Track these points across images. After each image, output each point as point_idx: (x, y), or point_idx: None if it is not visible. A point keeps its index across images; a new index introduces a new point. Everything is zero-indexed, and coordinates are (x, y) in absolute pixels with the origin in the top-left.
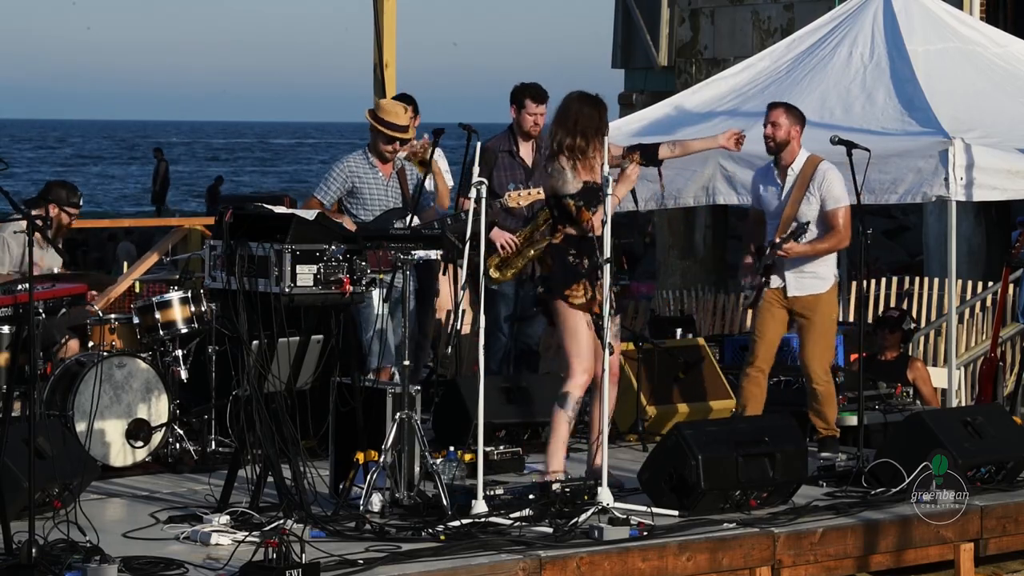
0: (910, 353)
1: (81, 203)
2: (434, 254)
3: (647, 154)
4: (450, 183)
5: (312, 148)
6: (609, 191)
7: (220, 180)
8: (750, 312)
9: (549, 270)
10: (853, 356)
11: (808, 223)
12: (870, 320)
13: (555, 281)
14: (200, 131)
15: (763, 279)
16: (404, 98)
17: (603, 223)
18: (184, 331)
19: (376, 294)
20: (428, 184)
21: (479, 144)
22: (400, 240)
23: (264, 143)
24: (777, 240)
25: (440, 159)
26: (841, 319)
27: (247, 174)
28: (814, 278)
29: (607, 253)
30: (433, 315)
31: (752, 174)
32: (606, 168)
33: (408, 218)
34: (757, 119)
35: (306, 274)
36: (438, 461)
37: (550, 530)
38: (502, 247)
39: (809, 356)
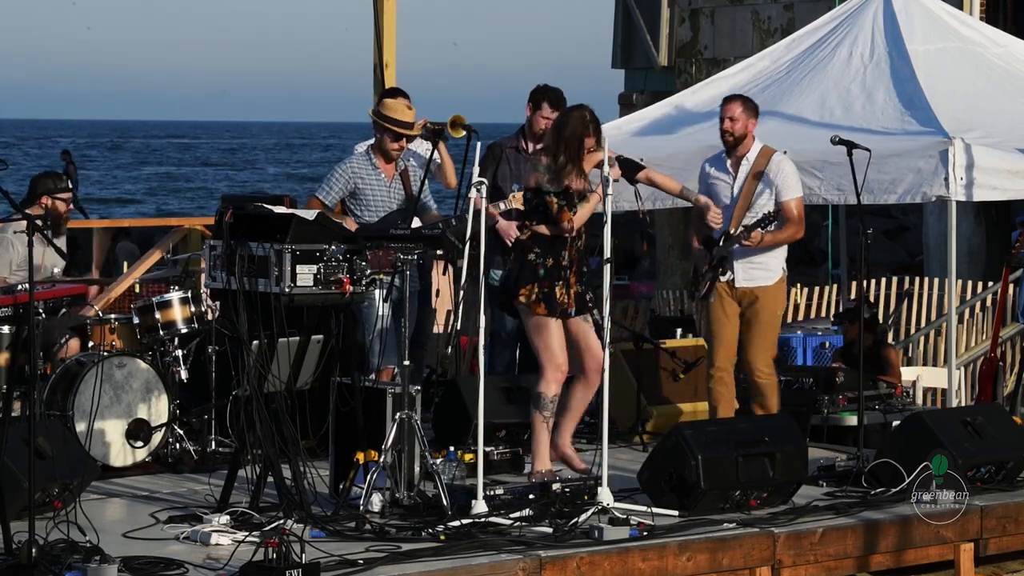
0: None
1: (69, 186)
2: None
3: (627, 169)
4: (455, 182)
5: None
6: (609, 191)
7: None
8: (699, 304)
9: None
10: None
11: (779, 211)
12: None
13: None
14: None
15: (719, 270)
16: (399, 92)
17: (604, 223)
18: (184, 331)
19: (378, 294)
20: (435, 155)
21: (478, 144)
22: (400, 240)
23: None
24: (734, 230)
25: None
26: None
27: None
28: (763, 270)
29: (607, 253)
30: (433, 315)
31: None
32: (605, 168)
33: (411, 219)
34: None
35: (306, 274)
36: (438, 461)
37: (550, 530)
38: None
39: (752, 350)
